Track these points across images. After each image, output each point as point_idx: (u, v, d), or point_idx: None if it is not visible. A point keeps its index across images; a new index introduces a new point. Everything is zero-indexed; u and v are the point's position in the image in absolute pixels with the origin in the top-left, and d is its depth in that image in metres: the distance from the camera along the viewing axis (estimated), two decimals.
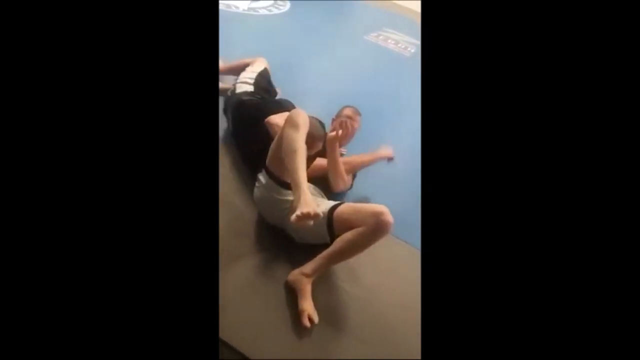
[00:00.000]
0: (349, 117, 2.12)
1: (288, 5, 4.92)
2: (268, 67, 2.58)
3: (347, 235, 1.51)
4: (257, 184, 1.75)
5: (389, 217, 1.47)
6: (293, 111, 1.63)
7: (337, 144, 1.90)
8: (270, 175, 1.67)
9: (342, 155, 2.31)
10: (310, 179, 1.87)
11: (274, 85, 2.54)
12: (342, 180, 1.98)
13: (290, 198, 1.60)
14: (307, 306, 1.43)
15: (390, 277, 1.77)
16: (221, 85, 2.63)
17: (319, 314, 1.45)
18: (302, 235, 1.66)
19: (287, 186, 1.63)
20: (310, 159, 1.89)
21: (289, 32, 4.23)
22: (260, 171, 1.73)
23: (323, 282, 1.59)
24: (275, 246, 1.70)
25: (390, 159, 2.19)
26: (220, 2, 4.30)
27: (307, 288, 1.47)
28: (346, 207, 1.61)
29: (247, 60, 2.59)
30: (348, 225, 1.54)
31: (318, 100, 2.46)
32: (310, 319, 1.41)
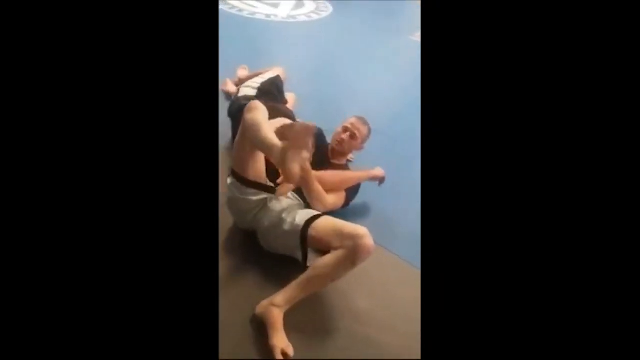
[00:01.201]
0: (352, 125, 1.92)
1: (330, 9, 4.84)
2: (283, 76, 2.48)
3: (323, 261, 1.34)
4: (227, 190, 1.62)
5: (369, 241, 1.30)
6: (250, 102, 1.49)
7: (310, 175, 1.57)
8: (235, 175, 1.54)
9: (349, 162, 2.12)
10: (296, 190, 1.67)
11: (284, 92, 2.42)
12: (321, 204, 1.63)
13: (254, 198, 1.52)
14: (279, 341, 1.25)
15: (388, 302, 1.54)
16: (231, 89, 2.60)
17: (302, 341, 1.28)
18: (272, 244, 1.52)
19: (250, 185, 1.52)
20: None
21: (328, 37, 4.12)
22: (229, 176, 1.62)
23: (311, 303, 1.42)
24: (245, 255, 1.57)
25: (381, 181, 1.97)
26: (259, 13, 4.32)
27: (278, 320, 1.29)
28: (324, 222, 1.43)
29: (266, 69, 2.52)
30: (323, 244, 1.37)
31: (358, 106, 2.31)
32: (285, 354, 1.23)
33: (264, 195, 1.54)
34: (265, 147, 1.34)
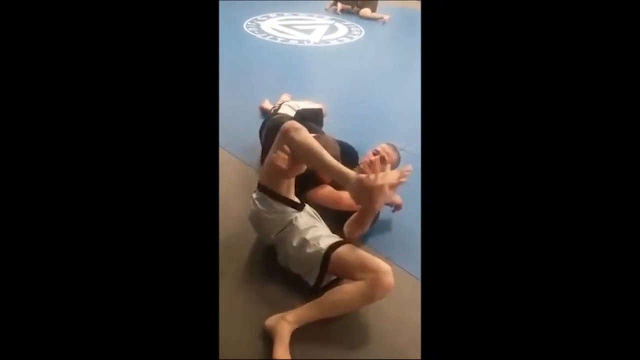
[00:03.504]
0: (382, 149, 1.91)
1: (362, 32, 4.92)
2: (324, 111, 2.48)
3: (342, 289, 1.33)
4: (252, 203, 1.59)
5: (390, 279, 1.30)
6: (286, 123, 1.43)
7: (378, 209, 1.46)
8: (265, 190, 1.51)
9: None
10: (316, 207, 1.66)
11: (322, 125, 2.38)
12: (362, 230, 1.49)
13: (282, 215, 1.49)
14: (282, 356, 1.24)
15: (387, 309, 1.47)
16: (267, 107, 2.66)
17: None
18: (290, 261, 1.50)
19: (282, 200, 1.49)
20: (316, 182, 1.72)
21: (359, 60, 4.18)
22: (255, 191, 1.59)
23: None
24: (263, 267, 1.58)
25: (396, 208, 1.89)
26: (292, 39, 4.46)
27: (286, 335, 1.28)
28: (348, 251, 1.41)
29: (310, 100, 2.56)
30: (344, 272, 1.37)
31: (388, 128, 2.25)
32: None
33: (291, 213, 1.52)
34: (335, 173, 1.32)
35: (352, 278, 1.34)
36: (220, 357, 0.86)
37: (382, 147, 1.94)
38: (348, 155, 1.92)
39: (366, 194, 1.25)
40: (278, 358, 1.24)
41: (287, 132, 1.38)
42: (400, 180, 1.26)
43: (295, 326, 1.31)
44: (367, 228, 1.49)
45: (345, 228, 1.49)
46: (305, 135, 1.36)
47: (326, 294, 1.35)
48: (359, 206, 1.42)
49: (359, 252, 1.40)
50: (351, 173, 1.30)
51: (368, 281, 1.30)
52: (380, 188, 1.23)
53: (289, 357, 1.25)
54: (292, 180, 1.53)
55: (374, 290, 1.29)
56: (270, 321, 1.32)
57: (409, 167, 1.29)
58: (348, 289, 1.32)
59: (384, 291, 1.30)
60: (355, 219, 1.45)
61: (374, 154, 1.89)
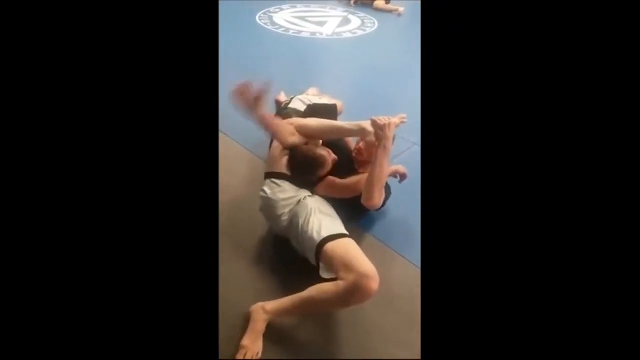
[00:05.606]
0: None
1: (376, 25, 4.84)
2: (340, 108, 2.40)
3: (321, 287, 1.27)
4: (262, 195, 1.62)
5: (374, 284, 1.20)
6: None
7: (389, 146, 1.51)
8: (272, 175, 1.61)
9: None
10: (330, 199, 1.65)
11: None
12: (381, 193, 1.55)
13: (291, 194, 1.55)
14: (250, 343, 1.24)
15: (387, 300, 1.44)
16: (282, 99, 2.59)
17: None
18: (299, 244, 1.48)
19: (290, 179, 1.59)
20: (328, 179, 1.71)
21: (372, 53, 4.11)
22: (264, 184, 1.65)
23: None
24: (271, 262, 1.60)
25: (402, 178, 1.88)
26: (304, 31, 4.41)
27: (260, 326, 1.28)
28: (340, 246, 1.34)
29: (327, 96, 2.50)
30: (332, 268, 1.32)
31: (407, 125, 2.25)
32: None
33: (300, 192, 1.57)
34: (349, 130, 1.65)
35: (337, 276, 1.27)
36: (220, 357, 0.85)
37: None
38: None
39: (380, 129, 1.48)
40: (244, 344, 1.24)
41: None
42: (402, 120, 1.56)
43: (272, 316, 1.30)
44: (384, 179, 1.55)
45: (364, 195, 1.52)
46: (308, 121, 1.67)
47: (308, 289, 1.29)
48: (362, 186, 1.55)
49: (350, 251, 1.32)
50: (361, 122, 1.57)
51: (347, 283, 1.21)
52: (390, 123, 1.48)
53: (258, 346, 1.26)
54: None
55: (351, 294, 1.21)
56: (252, 307, 1.32)
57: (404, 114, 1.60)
58: (326, 289, 1.25)
59: (362, 296, 1.21)
60: (372, 174, 1.50)
61: (358, 141, 1.87)
